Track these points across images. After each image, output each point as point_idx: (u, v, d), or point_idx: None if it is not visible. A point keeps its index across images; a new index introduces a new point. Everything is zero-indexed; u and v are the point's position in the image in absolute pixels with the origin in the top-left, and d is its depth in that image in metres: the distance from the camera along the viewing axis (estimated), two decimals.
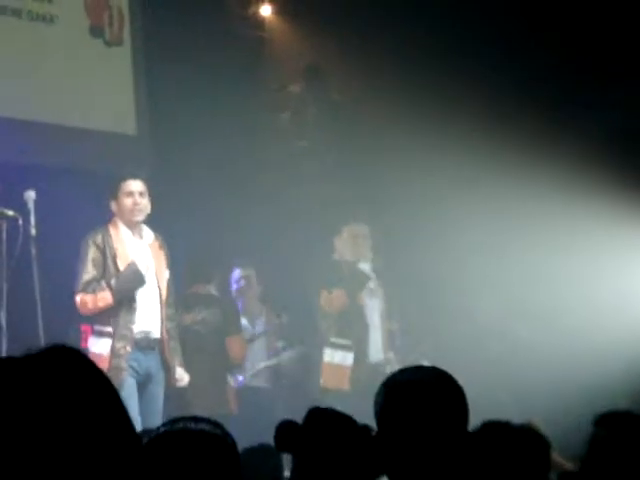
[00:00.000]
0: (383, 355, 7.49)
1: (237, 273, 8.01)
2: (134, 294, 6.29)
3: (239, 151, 8.88)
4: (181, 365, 6.55)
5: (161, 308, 6.42)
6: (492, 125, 8.26)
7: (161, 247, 6.48)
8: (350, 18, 8.93)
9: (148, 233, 6.46)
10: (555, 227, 8.27)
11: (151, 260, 6.40)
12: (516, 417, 3.47)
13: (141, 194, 6.35)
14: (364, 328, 7.42)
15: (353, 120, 9.02)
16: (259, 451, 4.09)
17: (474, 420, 2.80)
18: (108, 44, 8.51)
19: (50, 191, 6.75)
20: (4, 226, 5.95)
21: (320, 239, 7.80)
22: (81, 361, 1.66)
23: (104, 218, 6.54)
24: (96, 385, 1.65)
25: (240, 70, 9.07)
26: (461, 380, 2.64)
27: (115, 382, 1.82)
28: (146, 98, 8.70)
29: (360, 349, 7.32)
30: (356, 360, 7.24)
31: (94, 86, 8.34)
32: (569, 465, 4.69)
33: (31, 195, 6.17)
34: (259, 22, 9.58)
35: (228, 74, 8.83)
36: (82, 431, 1.58)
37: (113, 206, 6.37)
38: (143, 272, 6.28)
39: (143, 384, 6.31)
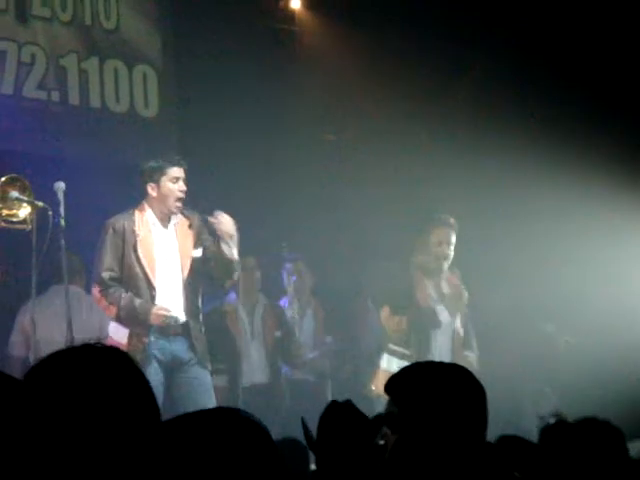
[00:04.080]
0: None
1: (289, 267, 8.02)
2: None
3: (270, 151, 8.89)
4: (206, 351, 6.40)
5: (183, 290, 6.29)
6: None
7: (191, 227, 6.36)
8: (380, 13, 8.92)
9: (176, 216, 6.35)
10: (577, 220, 8.28)
11: (174, 243, 6.31)
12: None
13: (184, 182, 6.31)
14: (425, 341, 7.09)
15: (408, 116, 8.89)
16: (286, 443, 4.11)
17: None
18: None
19: (80, 182, 6.79)
20: (34, 217, 5.97)
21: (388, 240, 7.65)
22: (113, 357, 1.72)
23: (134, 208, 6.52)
24: (127, 378, 1.70)
25: (269, 63, 9.08)
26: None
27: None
28: (174, 89, 8.75)
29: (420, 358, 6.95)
30: None
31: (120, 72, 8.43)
32: None
33: (61, 186, 6.15)
34: (289, 15, 9.58)
35: (257, 66, 8.84)
36: (111, 418, 1.63)
37: (150, 190, 6.27)
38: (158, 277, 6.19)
39: (173, 370, 6.18)
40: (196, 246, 6.36)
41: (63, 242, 6.01)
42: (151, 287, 6.22)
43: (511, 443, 3.27)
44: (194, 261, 6.33)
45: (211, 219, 6.28)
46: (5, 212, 5.95)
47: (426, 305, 7.10)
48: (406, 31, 8.83)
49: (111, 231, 6.24)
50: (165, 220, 6.33)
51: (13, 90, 7.93)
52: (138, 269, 6.22)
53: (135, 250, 6.22)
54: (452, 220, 7.17)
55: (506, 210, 8.29)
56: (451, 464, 2.58)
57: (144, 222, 6.29)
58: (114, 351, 1.85)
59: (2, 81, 7.89)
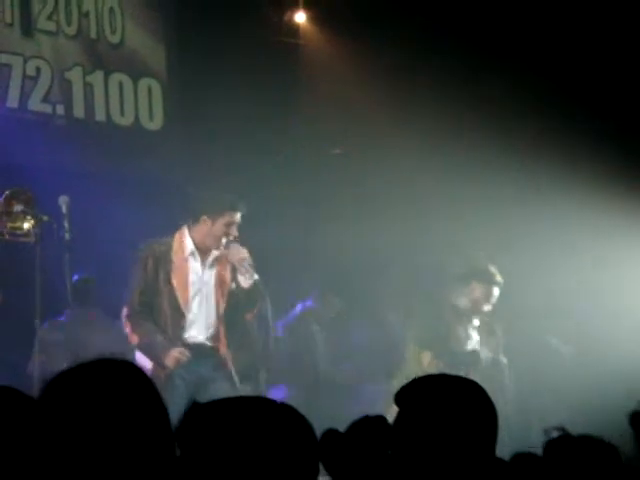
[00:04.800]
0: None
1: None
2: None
3: (271, 165, 8.89)
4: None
5: (218, 322, 6.22)
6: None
7: (227, 259, 6.22)
8: (385, 27, 8.93)
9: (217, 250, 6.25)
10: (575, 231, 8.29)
11: (212, 274, 6.22)
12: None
13: (237, 228, 6.18)
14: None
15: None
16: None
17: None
18: None
19: (85, 195, 6.79)
20: (39, 231, 5.97)
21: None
22: (128, 372, 1.73)
23: (139, 222, 6.52)
24: (140, 393, 1.71)
25: (274, 77, 9.09)
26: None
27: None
28: (179, 102, 8.77)
29: None
30: None
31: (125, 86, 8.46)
32: None
33: (65, 200, 6.14)
34: (294, 29, 9.60)
35: (262, 80, 8.85)
36: (124, 431, 1.65)
37: (203, 222, 6.13)
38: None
39: (199, 388, 6.09)
40: (233, 279, 6.27)
41: (68, 256, 6.01)
42: (181, 315, 6.13)
43: (525, 460, 3.25)
44: (230, 294, 6.26)
45: (227, 251, 6.19)
46: (9, 225, 5.96)
47: (460, 348, 7.08)
48: (411, 45, 8.84)
49: (146, 254, 6.14)
50: (203, 252, 6.21)
51: (18, 104, 7.96)
52: (171, 297, 6.12)
53: (169, 277, 6.12)
54: (499, 278, 7.08)
55: (507, 221, 8.28)
56: (458, 475, 2.57)
57: (182, 249, 6.18)
58: (126, 365, 1.86)
59: (7, 95, 7.92)
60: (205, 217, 6.15)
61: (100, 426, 1.70)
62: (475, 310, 7.13)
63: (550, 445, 3.26)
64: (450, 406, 2.63)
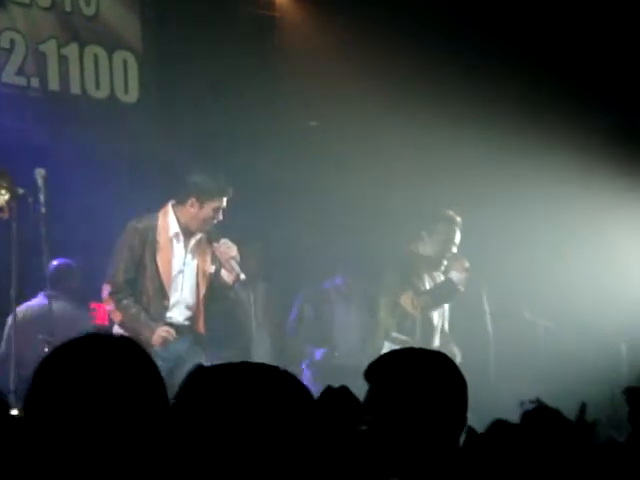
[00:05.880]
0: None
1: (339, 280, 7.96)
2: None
3: (247, 136, 8.87)
4: None
5: (198, 304, 6.26)
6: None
7: (209, 241, 6.27)
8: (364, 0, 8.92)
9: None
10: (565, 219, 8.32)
11: (194, 257, 6.24)
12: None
13: (223, 212, 6.22)
14: (429, 329, 7.24)
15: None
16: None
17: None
18: None
19: (60, 168, 6.75)
20: (14, 204, 5.92)
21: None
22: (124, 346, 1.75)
23: (117, 196, 6.48)
24: (138, 366, 1.73)
25: (249, 50, 9.05)
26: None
27: None
28: (154, 75, 8.72)
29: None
30: None
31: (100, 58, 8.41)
32: None
33: (41, 172, 6.08)
34: (270, 2, 9.56)
35: (237, 53, 8.82)
36: (121, 404, 1.67)
37: (190, 204, 6.14)
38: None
39: (176, 367, 6.07)
40: (212, 262, 6.31)
41: (44, 230, 5.96)
42: (164, 296, 6.17)
43: (501, 428, 3.29)
44: (210, 276, 6.31)
45: (215, 245, 6.23)
46: None
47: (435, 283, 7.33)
48: (389, 17, 8.82)
49: (132, 234, 6.15)
50: (188, 234, 6.23)
51: None
52: (154, 277, 6.15)
53: (154, 257, 6.14)
54: (459, 219, 7.27)
55: (490, 198, 8.30)
56: (430, 449, 2.59)
57: (166, 229, 6.19)
58: (125, 340, 1.88)
59: None
60: (193, 199, 6.14)
61: (99, 400, 1.71)
62: (441, 253, 7.26)
63: (527, 415, 3.30)
64: (420, 379, 2.65)
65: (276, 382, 1.81)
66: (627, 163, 8.29)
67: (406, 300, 7.18)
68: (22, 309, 6.72)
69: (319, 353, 7.70)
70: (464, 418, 2.69)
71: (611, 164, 8.09)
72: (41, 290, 6.88)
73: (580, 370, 7.70)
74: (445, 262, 7.31)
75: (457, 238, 7.29)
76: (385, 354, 2.83)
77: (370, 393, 2.69)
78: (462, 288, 7.23)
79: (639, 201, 8.40)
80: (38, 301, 6.98)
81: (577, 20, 8.72)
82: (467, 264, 7.26)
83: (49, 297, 6.51)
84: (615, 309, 8.22)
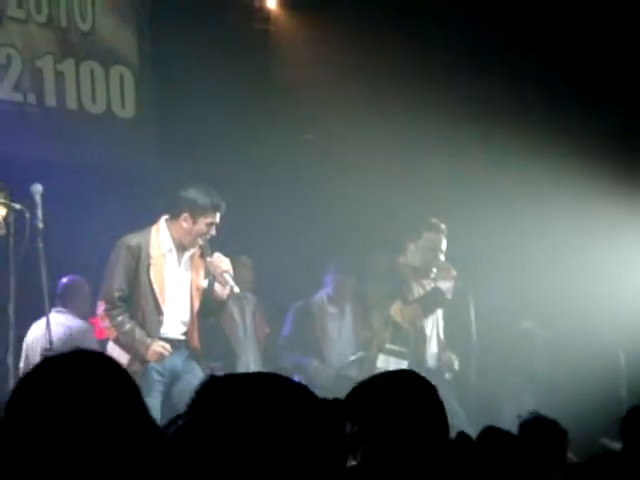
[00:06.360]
0: (438, 362, 7.25)
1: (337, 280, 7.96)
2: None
3: (243, 150, 8.88)
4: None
5: (192, 319, 6.28)
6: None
7: (202, 256, 6.28)
8: (358, 12, 8.93)
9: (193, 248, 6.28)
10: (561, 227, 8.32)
11: (187, 271, 6.26)
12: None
13: (215, 227, 6.22)
14: (422, 338, 7.26)
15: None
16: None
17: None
18: None
19: (57, 184, 6.75)
20: (11, 220, 5.93)
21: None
22: (104, 364, 1.74)
23: (114, 212, 6.47)
24: (116, 386, 1.72)
25: (246, 64, 9.07)
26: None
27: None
28: (151, 89, 8.74)
29: (416, 358, 7.08)
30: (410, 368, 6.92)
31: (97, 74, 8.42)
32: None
33: (38, 188, 6.07)
34: (265, 15, 9.59)
35: (233, 67, 8.83)
36: (103, 425, 1.66)
37: (183, 220, 6.15)
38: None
39: (172, 382, 6.14)
40: (206, 276, 6.33)
41: (41, 245, 5.95)
42: (159, 312, 6.17)
43: (494, 435, 3.31)
44: (203, 291, 6.33)
45: (209, 259, 6.25)
46: None
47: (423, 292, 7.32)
48: (383, 30, 8.84)
49: (125, 250, 6.15)
50: (181, 249, 6.24)
51: None
52: (148, 293, 6.15)
53: (147, 273, 6.15)
54: (443, 226, 7.28)
55: (489, 208, 8.31)
56: (421, 466, 2.60)
57: (159, 244, 6.20)
58: (100, 357, 1.87)
59: None
60: (186, 215, 6.16)
61: (76, 420, 1.71)
62: (430, 262, 7.25)
63: (525, 425, 3.32)
64: (396, 402, 2.66)
65: (293, 394, 1.82)
66: (623, 169, 8.29)
67: (396, 311, 7.21)
68: (34, 326, 6.76)
69: (312, 366, 7.68)
70: (445, 425, 2.70)
71: (607, 170, 8.09)
72: (53, 306, 6.88)
73: (578, 380, 7.70)
74: (434, 270, 7.31)
75: (443, 245, 7.29)
76: (354, 388, 2.81)
77: (351, 428, 2.69)
78: (450, 296, 7.24)
79: (636, 208, 8.39)
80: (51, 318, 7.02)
81: (577, 21, 8.72)
82: (454, 272, 7.27)
83: (57, 313, 6.55)
84: (613, 318, 8.22)
